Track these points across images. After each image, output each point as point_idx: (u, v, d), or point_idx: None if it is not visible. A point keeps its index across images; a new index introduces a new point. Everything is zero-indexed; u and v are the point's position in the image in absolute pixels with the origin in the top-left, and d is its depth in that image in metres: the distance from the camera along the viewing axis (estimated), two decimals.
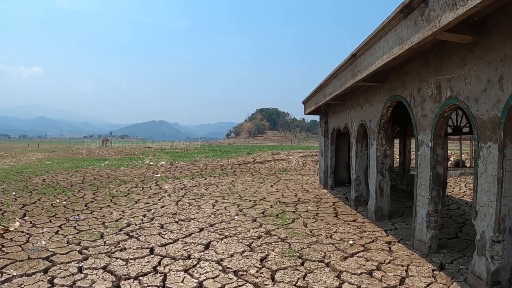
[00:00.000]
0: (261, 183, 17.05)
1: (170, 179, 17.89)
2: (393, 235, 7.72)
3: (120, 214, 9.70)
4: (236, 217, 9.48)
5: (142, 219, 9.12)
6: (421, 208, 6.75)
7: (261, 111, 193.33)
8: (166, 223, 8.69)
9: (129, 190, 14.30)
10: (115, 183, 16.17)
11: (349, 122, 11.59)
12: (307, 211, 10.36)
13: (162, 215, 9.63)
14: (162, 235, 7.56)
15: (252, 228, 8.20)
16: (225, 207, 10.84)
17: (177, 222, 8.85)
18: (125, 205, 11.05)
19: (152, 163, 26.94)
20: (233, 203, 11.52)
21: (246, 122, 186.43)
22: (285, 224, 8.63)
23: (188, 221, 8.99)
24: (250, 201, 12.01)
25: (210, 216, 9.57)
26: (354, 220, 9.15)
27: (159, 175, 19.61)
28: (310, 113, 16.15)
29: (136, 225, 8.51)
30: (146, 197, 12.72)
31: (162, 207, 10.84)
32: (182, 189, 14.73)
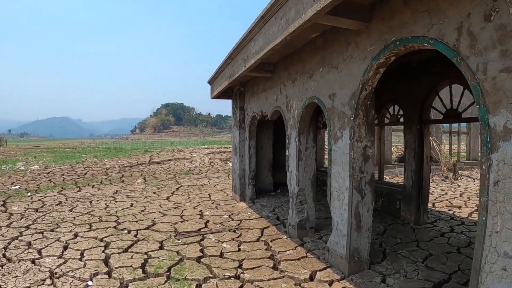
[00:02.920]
0: (154, 193, 12.34)
1: (30, 193, 12.29)
2: None
3: None
4: (90, 282, 4.86)
5: None
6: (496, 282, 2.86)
7: (166, 106, 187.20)
8: None
9: None
10: None
11: (282, 104, 7.49)
12: (221, 254, 6.06)
13: None
14: None
15: None
16: (83, 251, 6.17)
17: None
18: None
19: (23, 167, 20.42)
20: (101, 240, 6.86)
21: (151, 117, 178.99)
22: None
23: None
24: (130, 232, 7.40)
25: (43, 281, 4.83)
26: (312, 278, 5.05)
27: (17, 186, 13.77)
28: (219, 96, 11.75)
29: None
30: None
31: None
32: (36, 210, 9.51)
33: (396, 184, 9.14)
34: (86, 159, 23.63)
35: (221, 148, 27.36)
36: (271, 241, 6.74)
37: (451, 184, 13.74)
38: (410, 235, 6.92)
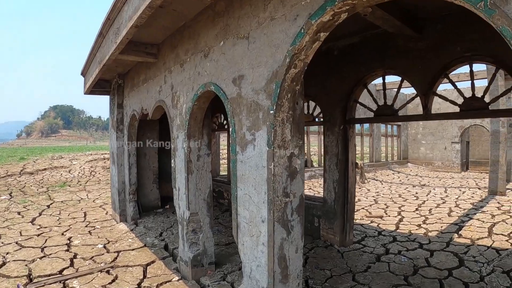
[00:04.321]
0: (19, 213, 9.56)
1: None
2: None
3: None
4: None
5: None
6: None
7: (55, 108, 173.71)
8: None
9: None
10: None
11: (167, 97, 5.62)
12: None
13: None
14: None
15: None
16: None
17: None
18: None
19: None
20: None
21: (39, 120, 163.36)
22: None
23: None
24: None
25: None
26: None
27: None
28: (94, 91, 9.36)
29: None
30: None
31: None
32: None
33: (313, 197, 7.71)
34: None
35: (105, 154, 24.24)
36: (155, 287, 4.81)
37: (360, 188, 13.03)
38: (340, 263, 5.47)
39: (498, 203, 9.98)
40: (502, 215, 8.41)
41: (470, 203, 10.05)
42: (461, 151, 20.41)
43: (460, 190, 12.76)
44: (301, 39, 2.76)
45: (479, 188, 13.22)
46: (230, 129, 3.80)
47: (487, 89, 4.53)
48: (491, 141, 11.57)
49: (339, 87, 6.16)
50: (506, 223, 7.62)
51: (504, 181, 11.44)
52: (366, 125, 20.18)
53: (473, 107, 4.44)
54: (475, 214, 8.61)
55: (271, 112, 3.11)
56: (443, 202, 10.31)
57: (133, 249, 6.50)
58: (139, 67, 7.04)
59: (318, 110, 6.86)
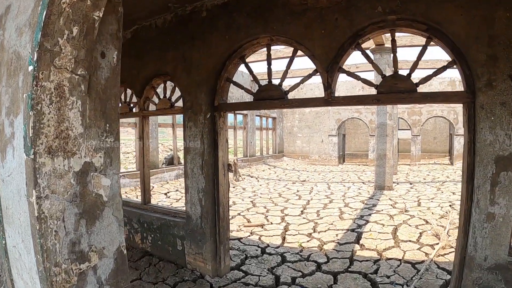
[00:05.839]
0: None
1: None
2: None
3: None
4: None
5: None
6: None
7: None
8: None
9: None
10: None
11: None
12: None
13: None
14: None
15: None
16: None
17: None
18: None
19: None
20: None
21: None
22: None
23: None
24: None
25: None
26: None
27: None
28: None
29: None
30: None
31: None
32: None
33: (173, 211, 5.59)
34: None
35: None
36: None
37: (234, 187, 11.48)
38: None
39: (390, 199, 9.29)
40: (401, 215, 7.56)
41: (360, 201, 9.21)
42: (338, 144, 20.63)
43: (344, 186, 12.12)
44: None
45: (363, 183, 12.77)
46: None
47: (415, 65, 3.26)
48: (377, 134, 11.04)
49: (206, 62, 4.37)
50: (409, 225, 6.68)
51: (391, 175, 11.00)
52: (240, 118, 19.03)
53: (396, 89, 3.15)
54: (370, 215, 7.64)
55: (30, 69, 1.32)
56: (330, 202, 9.33)
57: None
58: None
59: (178, 93, 5.02)
